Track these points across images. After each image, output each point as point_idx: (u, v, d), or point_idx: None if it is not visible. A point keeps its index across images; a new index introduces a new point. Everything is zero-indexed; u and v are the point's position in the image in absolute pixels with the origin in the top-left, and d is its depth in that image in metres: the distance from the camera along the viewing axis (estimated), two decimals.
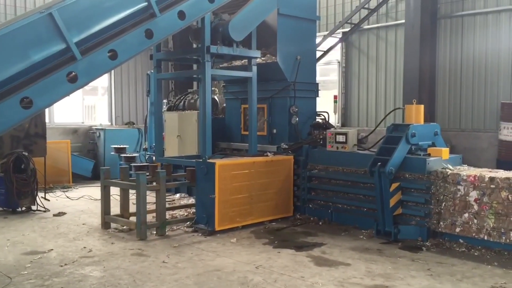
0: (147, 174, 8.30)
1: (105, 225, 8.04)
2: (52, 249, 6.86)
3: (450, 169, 7.17)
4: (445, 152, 7.61)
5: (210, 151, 8.30)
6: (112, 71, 14.47)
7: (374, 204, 7.73)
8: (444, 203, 7.04)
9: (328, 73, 14.21)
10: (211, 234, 7.62)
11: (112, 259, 6.41)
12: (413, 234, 7.37)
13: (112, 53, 6.64)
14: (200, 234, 7.66)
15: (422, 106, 8.03)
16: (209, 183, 7.70)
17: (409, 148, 7.59)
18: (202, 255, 6.62)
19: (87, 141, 14.05)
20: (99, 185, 8.30)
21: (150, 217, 7.97)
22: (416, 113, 7.91)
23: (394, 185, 7.39)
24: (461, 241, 7.02)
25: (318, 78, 10.55)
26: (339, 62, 12.95)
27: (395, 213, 7.44)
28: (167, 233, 7.68)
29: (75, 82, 6.64)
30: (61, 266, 6.12)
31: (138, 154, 12.70)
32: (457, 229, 6.92)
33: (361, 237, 7.61)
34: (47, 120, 13.45)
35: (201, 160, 7.91)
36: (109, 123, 14.76)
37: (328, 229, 8.08)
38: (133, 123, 14.85)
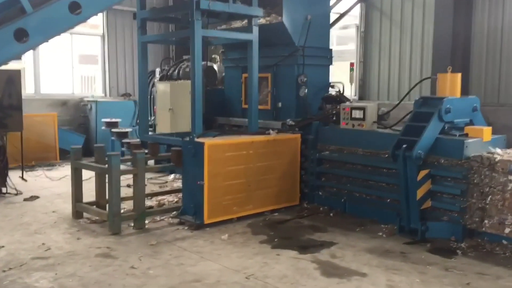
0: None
1: (76, 214, 6.82)
2: (3, 246, 5.65)
3: (499, 154, 5.73)
4: (486, 132, 6.19)
5: (201, 127, 7.00)
6: (106, 36, 13.17)
7: (397, 194, 6.37)
8: (490, 196, 5.63)
9: (345, 41, 12.69)
10: (199, 228, 6.35)
11: (70, 261, 5.18)
12: (444, 232, 6.02)
13: (74, 6, 5.39)
14: (187, 228, 6.40)
15: (459, 74, 6.55)
16: (198, 167, 6.39)
17: (442, 127, 6.18)
18: (183, 257, 5.37)
19: (78, 114, 12.79)
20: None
21: (130, 205, 6.74)
22: (451, 84, 6.45)
23: (423, 173, 6.01)
24: (504, 242, 5.65)
25: (335, 48, 9.08)
26: (357, 26, 11.38)
27: (423, 207, 6.08)
28: (147, 226, 6.44)
29: (25, 41, 5.42)
30: (4, 271, 4.91)
31: (131, 129, 11.43)
32: (507, 230, 5.53)
33: (380, 234, 6.28)
34: (32, 90, 12.33)
35: (188, 139, 6.60)
36: (103, 95, 13.46)
37: (341, 222, 6.76)
38: (130, 95, 13.55)
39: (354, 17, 11.79)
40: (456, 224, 5.96)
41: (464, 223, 5.91)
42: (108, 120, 11.55)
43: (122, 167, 7.21)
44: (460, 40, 9.22)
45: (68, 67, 13.08)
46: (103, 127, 11.60)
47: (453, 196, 6.01)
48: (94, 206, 6.85)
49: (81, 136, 12.31)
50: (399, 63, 10.57)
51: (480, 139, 6.10)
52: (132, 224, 6.40)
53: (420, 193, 6.01)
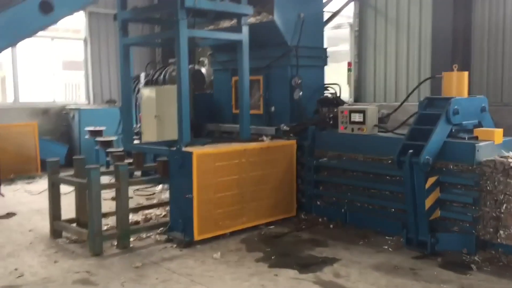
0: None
1: (55, 233, 6.26)
2: None
3: None
4: (498, 134, 5.72)
5: (189, 135, 6.46)
6: (88, 41, 12.60)
7: (402, 203, 5.89)
8: (505, 205, 5.17)
9: (336, 42, 12.23)
10: (188, 245, 5.82)
11: None
12: (455, 244, 5.54)
13: (45, 5, 4.95)
14: (175, 246, 5.86)
15: (466, 73, 6.10)
16: (186, 179, 5.87)
17: (449, 130, 5.71)
18: (171, 281, 4.83)
19: (60, 123, 12.20)
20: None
21: (114, 221, 6.19)
22: (458, 83, 5.99)
23: (431, 180, 5.53)
24: None
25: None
26: (351, 25, 10.93)
27: (432, 217, 5.60)
28: (132, 244, 5.89)
29: None
30: None
31: (116, 138, 10.85)
32: None
33: (386, 247, 5.79)
34: (11, 99, 11.74)
35: (174, 148, 6.07)
36: (87, 102, 12.87)
37: (342, 235, 6.26)
38: (115, 102, 12.97)
39: (347, 17, 11.35)
40: (468, 235, 5.48)
41: (477, 234, 5.43)
42: (92, 128, 11.00)
43: (105, 179, 6.70)
44: (459, 37, 8.80)
45: (50, 74, 12.52)
46: (87, 136, 11.05)
47: (464, 205, 5.54)
48: (74, 224, 6.30)
49: (63, 146, 11.73)
50: (395, 63, 10.13)
51: (492, 142, 5.63)
52: (116, 243, 5.86)
53: (428, 202, 5.53)
